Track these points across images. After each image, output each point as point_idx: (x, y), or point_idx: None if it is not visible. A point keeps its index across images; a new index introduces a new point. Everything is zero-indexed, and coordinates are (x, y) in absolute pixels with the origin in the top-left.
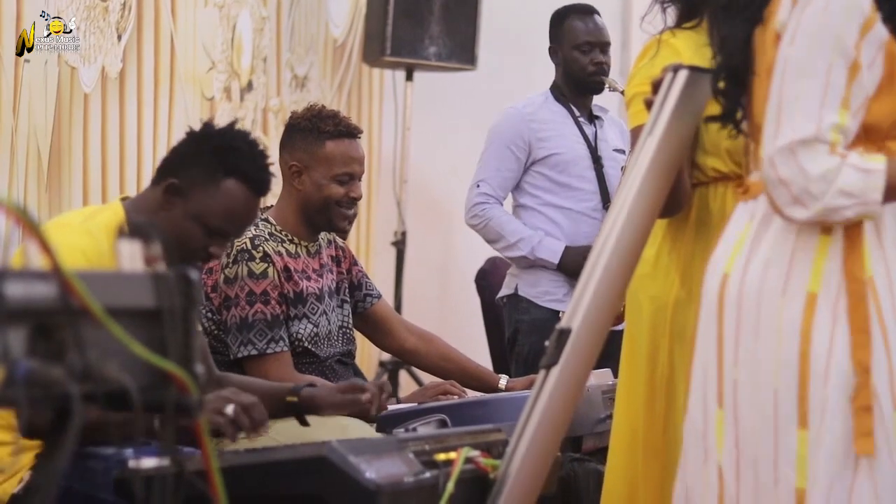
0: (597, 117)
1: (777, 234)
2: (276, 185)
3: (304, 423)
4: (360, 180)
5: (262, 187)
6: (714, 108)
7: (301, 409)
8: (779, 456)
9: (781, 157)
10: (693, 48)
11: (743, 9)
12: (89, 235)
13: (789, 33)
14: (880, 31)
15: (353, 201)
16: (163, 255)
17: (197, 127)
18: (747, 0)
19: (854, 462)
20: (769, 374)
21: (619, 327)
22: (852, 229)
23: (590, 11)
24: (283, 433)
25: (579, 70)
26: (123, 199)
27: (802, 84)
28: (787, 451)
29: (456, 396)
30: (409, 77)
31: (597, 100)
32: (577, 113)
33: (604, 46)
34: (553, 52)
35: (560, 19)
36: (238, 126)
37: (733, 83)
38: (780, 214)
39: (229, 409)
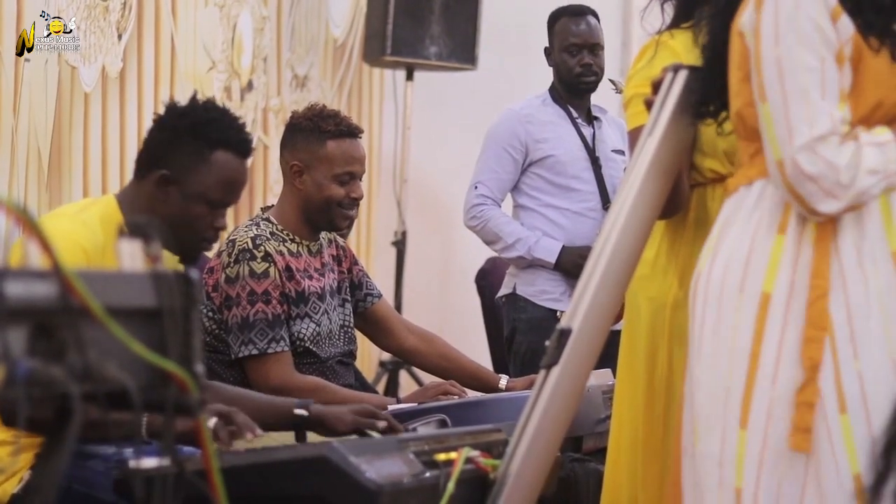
0: (595, 118)
1: (738, 231)
2: (277, 185)
3: (303, 439)
4: (360, 180)
5: (248, 149)
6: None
7: (309, 425)
8: (724, 456)
9: (804, 155)
10: (691, 48)
11: (720, 12)
12: (85, 226)
13: (769, 34)
14: (846, 23)
15: (355, 202)
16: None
17: (163, 112)
18: (723, 4)
19: (799, 463)
20: (724, 372)
21: (619, 326)
22: (824, 226)
23: (582, 12)
24: (284, 433)
25: (566, 72)
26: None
27: (802, 81)
28: (730, 450)
29: (456, 396)
30: (410, 77)
31: (596, 100)
32: (575, 114)
33: (593, 48)
34: (547, 53)
35: (553, 20)
36: (199, 97)
37: (712, 84)
38: (810, 212)
39: (210, 423)
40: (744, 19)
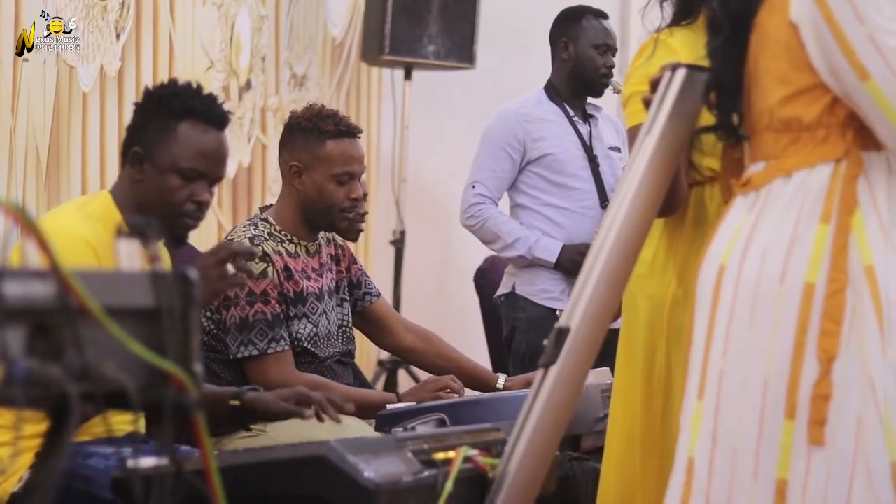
0: (591, 116)
1: (775, 223)
2: (276, 185)
3: (248, 429)
4: (359, 179)
5: (218, 119)
6: (707, 118)
7: (244, 414)
8: (762, 447)
9: None
10: (690, 46)
11: (730, 24)
12: (88, 222)
13: (848, 16)
14: None
15: (355, 203)
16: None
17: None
18: (734, 15)
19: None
20: (760, 364)
21: (617, 325)
22: (844, 218)
23: (605, 15)
24: (282, 432)
25: (592, 70)
26: None
27: None
28: (772, 441)
29: (456, 391)
30: (408, 76)
31: (590, 98)
32: (572, 112)
33: (615, 51)
34: (563, 47)
35: (577, 16)
36: (179, 82)
37: (726, 95)
38: None
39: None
40: (799, 12)
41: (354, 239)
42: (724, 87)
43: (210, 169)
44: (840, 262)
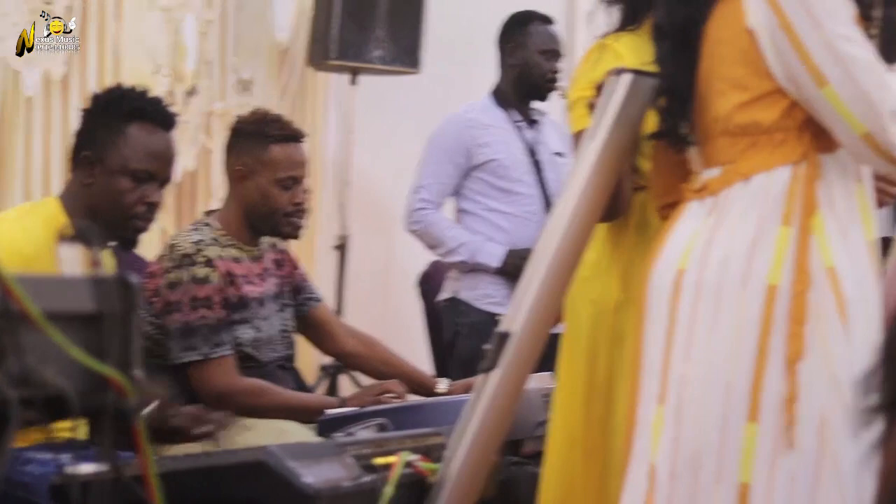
0: (536, 121)
1: (736, 226)
2: (221, 190)
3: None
4: (303, 184)
5: (166, 120)
6: (653, 124)
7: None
8: (725, 450)
9: (893, 121)
10: (636, 52)
11: (678, 31)
12: (24, 231)
13: (804, 22)
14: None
15: (299, 208)
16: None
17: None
18: (681, 23)
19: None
20: (723, 368)
21: (559, 329)
22: (805, 220)
23: (551, 20)
24: (223, 438)
25: (539, 75)
26: None
27: (858, 54)
28: (734, 445)
29: (398, 395)
30: (354, 80)
31: (535, 103)
32: (517, 117)
33: (560, 57)
34: (510, 52)
35: (524, 22)
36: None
37: (676, 101)
38: None
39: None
40: (755, 18)
41: (296, 236)
42: (674, 93)
43: (160, 170)
44: (804, 264)
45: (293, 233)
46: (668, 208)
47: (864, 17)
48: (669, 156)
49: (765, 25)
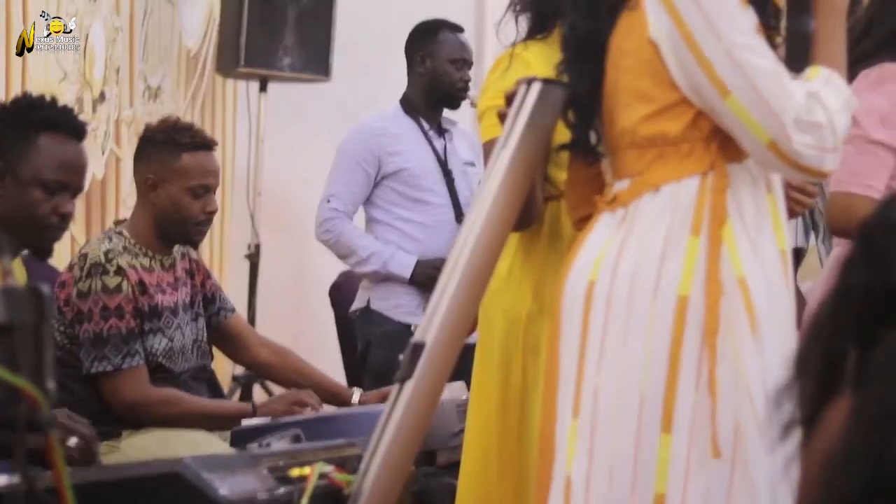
0: (446, 130)
1: (645, 236)
2: (130, 198)
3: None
4: (214, 192)
5: (77, 130)
6: (565, 134)
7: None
8: (638, 462)
9: (796, 126)
10: (545, 60)
11: (583, 43)
12: None
13: (704, 32)
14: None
15: (211, 216)
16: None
17: None
18: (584, 35)
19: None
20: (636, 379)
21: (473, 339)
22: (715, 230)
23: (461, 29)
24: (136, 449)
25: (450, 84)
26: None
27: (760, 63)
28: (649, 456)
29: (311, 405)
30: (263, 88)
31: (446, 112)
32: (427, 126)
33: (471, 65)
34: (420, 61)
35: (432, 30)
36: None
37: (582, 113)
38: (818, 175)
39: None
40: (657, 30)
41: (196, 245)
42: (581, 105)
43: (72, 180)
44: (715, 274)
45: (201, 241)
46: (584, 221)
47: (768, 27)
48: (583, 168)
49: (667, 37)
